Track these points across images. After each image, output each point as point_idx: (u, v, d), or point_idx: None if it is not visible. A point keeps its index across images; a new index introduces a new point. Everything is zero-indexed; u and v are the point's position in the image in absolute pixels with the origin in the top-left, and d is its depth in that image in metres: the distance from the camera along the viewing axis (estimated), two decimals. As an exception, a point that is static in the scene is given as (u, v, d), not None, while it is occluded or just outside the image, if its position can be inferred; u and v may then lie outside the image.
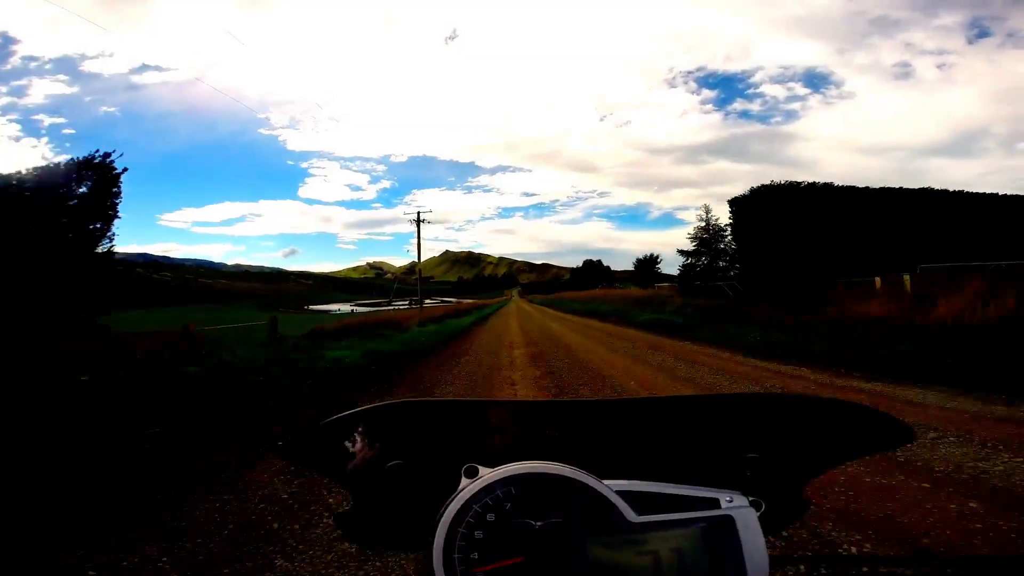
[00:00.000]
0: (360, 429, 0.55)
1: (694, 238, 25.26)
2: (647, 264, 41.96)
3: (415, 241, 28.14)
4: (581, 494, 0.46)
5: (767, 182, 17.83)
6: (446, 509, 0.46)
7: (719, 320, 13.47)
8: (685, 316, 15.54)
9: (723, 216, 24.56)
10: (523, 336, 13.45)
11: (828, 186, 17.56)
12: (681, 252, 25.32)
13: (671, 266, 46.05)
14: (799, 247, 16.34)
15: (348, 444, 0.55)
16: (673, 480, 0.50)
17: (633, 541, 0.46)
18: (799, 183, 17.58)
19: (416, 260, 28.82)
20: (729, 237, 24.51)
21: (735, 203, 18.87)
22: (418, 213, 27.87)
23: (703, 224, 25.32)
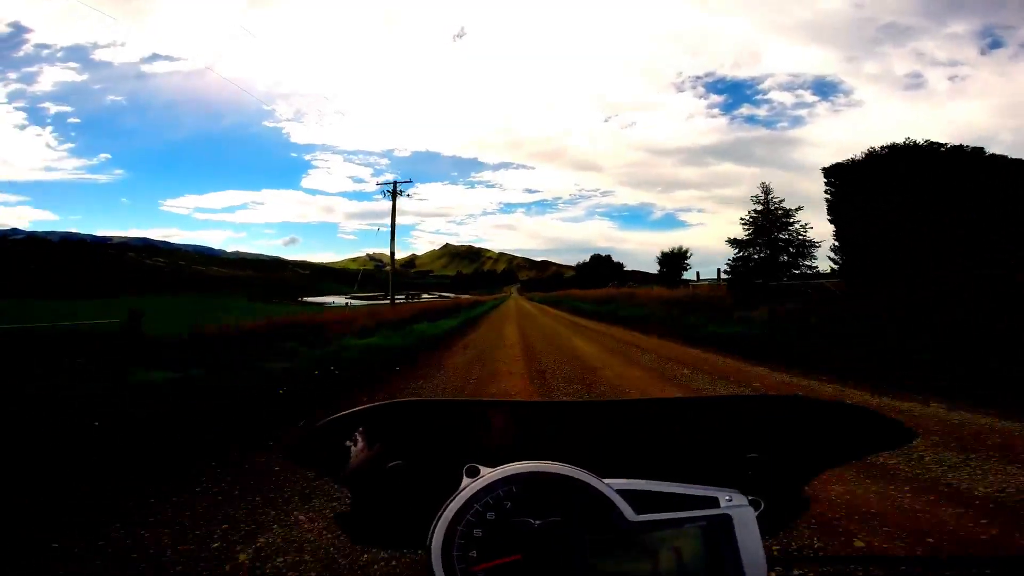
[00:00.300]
0: (360, 429, 0.54)
1: (749, 223, 19.91)
2: (675, 259, 35.90)
3: (392, 225, 22.85)
4: (581, 493, 0.46)
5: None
6: (446, 508, 0.45)
7: (829, 336, 8.29)
8: (780, 330, 10.29)
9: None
10: (529, 372, 7.29)
11: (977, 152, 12.23)
12: (733, 242, 19.96)
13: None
14: (943, 230, 11.05)
15: (348, 444, 0.53)
16: (674, 480, 0.49)
17: (632, 540, 0.46)
18: (940, 145, 12.24)
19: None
20: (796, 224, 19.35)
21: (835, 172, 13.53)
22: (395, 183, 22.45)
23: (760, 207, 19.97)
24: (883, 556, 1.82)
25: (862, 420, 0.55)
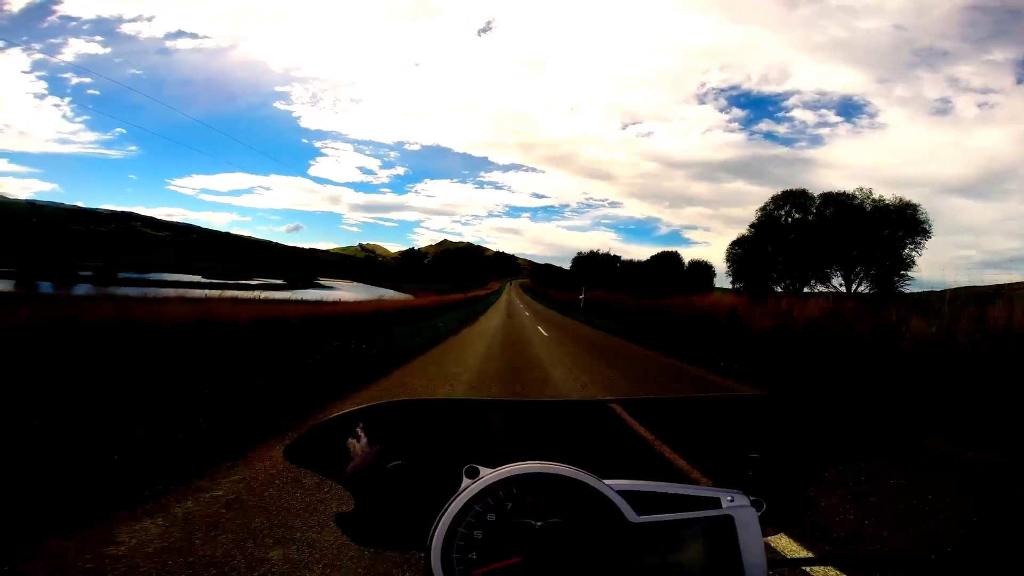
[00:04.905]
0: (360, 428, 0.53)
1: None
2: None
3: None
4: (582, 494, 0.45)
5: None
6: (446, 509, 0.45)
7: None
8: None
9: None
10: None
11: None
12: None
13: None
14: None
15: (348, 443, 0.52)
16: (675, 480, 0.48)
17: (633, 541, 0.45)
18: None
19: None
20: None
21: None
22: None
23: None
24: (887, 557, 1.79)
25: (863, 420, 0.54)
